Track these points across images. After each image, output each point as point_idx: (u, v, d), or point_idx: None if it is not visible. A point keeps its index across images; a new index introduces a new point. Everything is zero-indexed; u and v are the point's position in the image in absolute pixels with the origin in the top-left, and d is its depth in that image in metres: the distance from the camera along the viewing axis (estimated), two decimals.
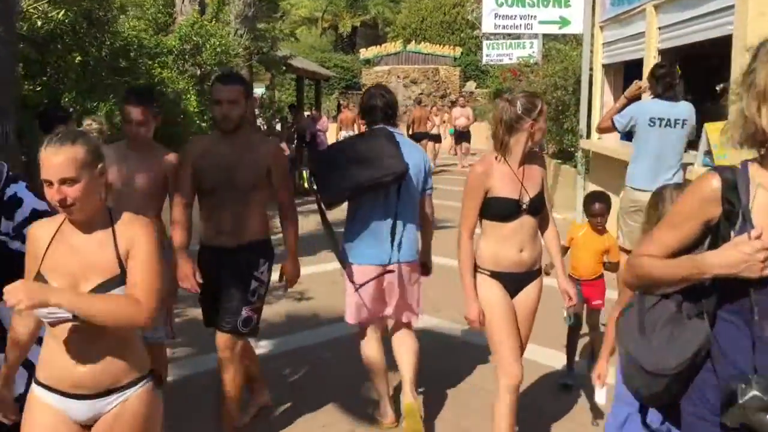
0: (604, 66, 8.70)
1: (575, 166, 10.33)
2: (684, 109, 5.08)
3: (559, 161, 11.43)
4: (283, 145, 13.06)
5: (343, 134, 16.79)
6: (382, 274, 3.70)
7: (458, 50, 30.73)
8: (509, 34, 17.17)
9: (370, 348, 3.89)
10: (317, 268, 7.60)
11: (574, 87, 10.41)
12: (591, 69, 9.14)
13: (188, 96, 8.36)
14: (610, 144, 8.45)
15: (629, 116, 5.15)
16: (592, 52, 9.09)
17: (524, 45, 17.84)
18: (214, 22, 9.59)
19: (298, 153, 16.83)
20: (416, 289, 3.88)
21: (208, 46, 9.14)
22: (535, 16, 9.24)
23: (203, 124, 8.77)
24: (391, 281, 3.74)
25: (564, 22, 9.26)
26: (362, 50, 32.06)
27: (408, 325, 3.94)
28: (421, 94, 30.06)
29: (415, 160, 3.70)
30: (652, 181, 4.69)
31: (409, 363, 3.85)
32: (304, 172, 13.61)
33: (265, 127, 14.47)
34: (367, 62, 31.42)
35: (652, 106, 5.10)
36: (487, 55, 18.35)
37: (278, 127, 17.10)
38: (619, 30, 7.98)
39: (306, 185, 13.53)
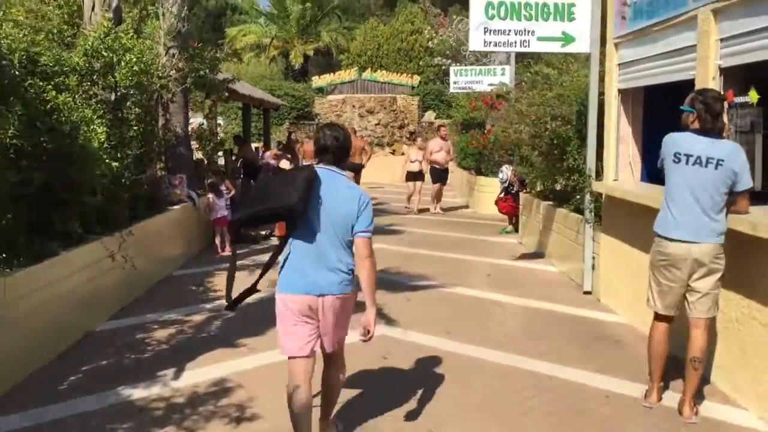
0: (621, 91, 7.04)
1: (575, 210, 8.64)
2: (724, 149, 4.30)
3: (552, 204, 9.72)
4: (227, 183, 11.08)
5: None
6: (302, 303, 3.73)
7: (416, 79, 29.30)
8: (481, 59, 15.70)
9: (296, 390, 3.77)
10: (269, 357, 5.59)
11: (574, 117, 8.74)
12: (601, 94, 7.49)
13: (93, 127, 6.37)
14: (628, 186, 6.77)
15: (661, 150, 4.60)
16: (603, 75, 7.45)
17: (495, 71, 16.38)
18: (133, 35, 7.62)
19: (243, 192, 14.81)
20: (344, 321, 3.93)
21: (123, 63, 7.18)
22: (533, 32, 7.55)
23: (114, 164, 6.78)
24: (309, 312, 3.75)
25: (567, 38, 7.59)
26: (315, 78, 30.34)
27: (334, 356, 4.00)
28: (378, 124, 28.43)
29: (345, 199, 3.77)
30: (682, 231, 4.36)
31: (326, 398, 4.07)
32: None
33: (206, 163, 12.47)
34: (320, 91, 29.72)
35: (682, 139, 4.45)
36: (454, 83, 16.74)
37: (221, 161, 15.11)
38: (647, 47, 6.33)
39: (253, 232, 11.53)
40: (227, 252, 10.57)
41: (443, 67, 29.69)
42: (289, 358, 3.81)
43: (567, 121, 8.98)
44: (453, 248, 10.92)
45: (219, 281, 8.68)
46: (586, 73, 9.91)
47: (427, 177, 15.68)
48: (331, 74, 30.16)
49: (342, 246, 3.77)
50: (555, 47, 7.72)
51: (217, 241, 10.63)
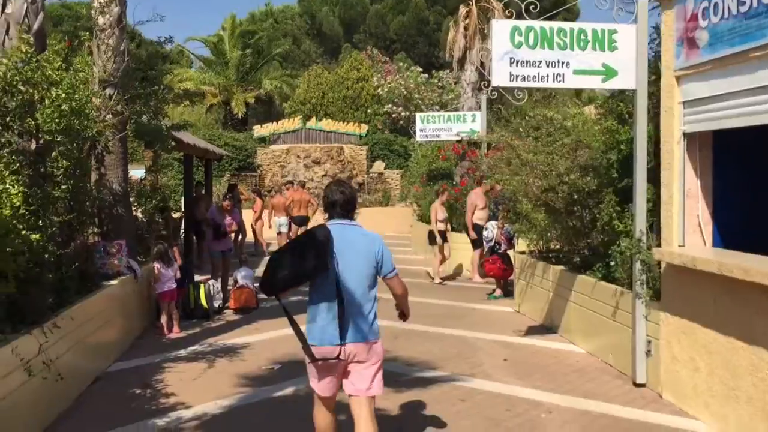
0: (687, 135, 5.68)
1: (603, 278, 7.19)
2: None
3: (567, 269, 8.26)
4: (175, 251, 9.21)
5: (276, 220, 16.21)
6: (328, 353, 3.94)
7: (364, 128, 27.94)
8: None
9: (319, 417, 4.20)
10: None
11: (605, 167, 7.37)
12: (650, 140, 6.13)
13: (5, 187, 4.55)
14: (703, 253, 5.35)
15: None
16: (659, 115, 6.09)
17: (465, 118, 15.06)
18: (62, 65, 5.85)
19: (186, 255, 12.93)
20: (371, 367, 4.06)
21: (47, 101, 5.42)
22: (568, 63, 6.16)
23: (34, 236, 4.94)
24: (336, 360, 3.95)
25: (609, 72, 6.23)
26: (256, 127, 28.63)
27: (365, 402, 4.07)
28: (325, 175, 26.84)
29: (363, 251, 4.00)
30: None
31: None
32: (203, 286, 9.74)
33: (145, 222, 10.57)
34: (263, 141, 28.02)
35: None
36: (420, 131, 15.33)
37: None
38: (736, 79, 5.00)
39: (205, 303, 9.66)
40: (176, 333, 8.68)
41: (393, 115, 28.57)
42: (319, 397, 4.18)
43: (588, 171, 7.62)
44: (445, 321, 9.31)
45: (170, 378, 6.79)
46: (599, 115, 8.70)
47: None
48: (274, 123, 28.50)
49: (364, 294, 3.99)
50: (594, 82, 6.33)
51: (163, 320, 8.70)
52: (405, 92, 27.43)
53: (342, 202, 4.09)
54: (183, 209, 14.94)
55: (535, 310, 9.32)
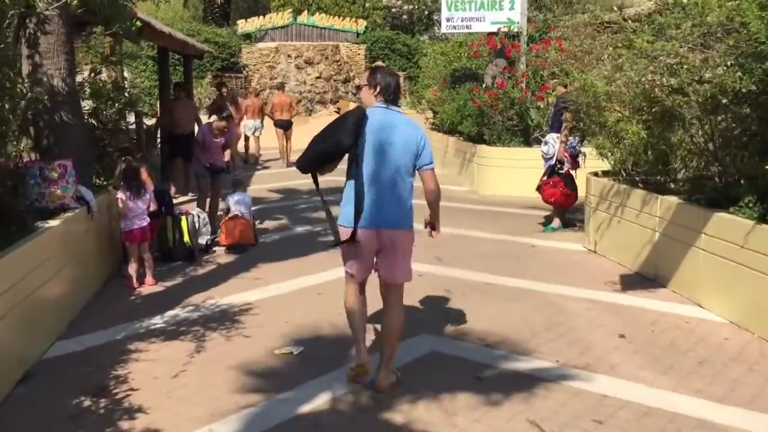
0: None
1: (759, 218, 4.94)
2: None
3: (683, 200, 6.00)
4: (145, 174, 6.80)
5: (251, 123, 15.47)
6: (365, 236, 3.95)
7: (362, 24, 24.97)
8: None
9: (349, 297, 4.21)
10: None
11: None
12: None
13: None
14: None
15: None
16: None
17: (501, 4, 12.38)
18: None
19: (163, 176, 10.54)
20: (402, 255, 4.08)
21: None
22: None
23: None
24: (366, 243, 3.98)
25: None
26: (241, 22, 25.52)
27: (394, 288, 4.14)
28: (319, 77, 24.06)
29: (403, 137, 3.97)
30: None
31: (386, 341, 4.15)
32: (185, 218, 7.36)
33: (108, 133, 8.07)
34: (248, 37, 25.01)
35: None
36: (447, 20, 12.60)
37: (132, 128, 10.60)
38: None
39: (189, 241, 7.32)
40: (149, 285, 6.40)
41: (393, 10, 25.61)
42: (349, 275, 4.18)
43: (741, 64, 5.22)
44: (503, 265, 7.10)
45: (138, 373, 4.52)
46: None
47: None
48: (261, 18, 25.40)
49: (402, 180, 3.98)
50: None
51: (131, 269, 6.35)
52: None
53: (393, 87, 4.07)
54: (158, 116, 12.35)
55: (623, 253, 7.10)
